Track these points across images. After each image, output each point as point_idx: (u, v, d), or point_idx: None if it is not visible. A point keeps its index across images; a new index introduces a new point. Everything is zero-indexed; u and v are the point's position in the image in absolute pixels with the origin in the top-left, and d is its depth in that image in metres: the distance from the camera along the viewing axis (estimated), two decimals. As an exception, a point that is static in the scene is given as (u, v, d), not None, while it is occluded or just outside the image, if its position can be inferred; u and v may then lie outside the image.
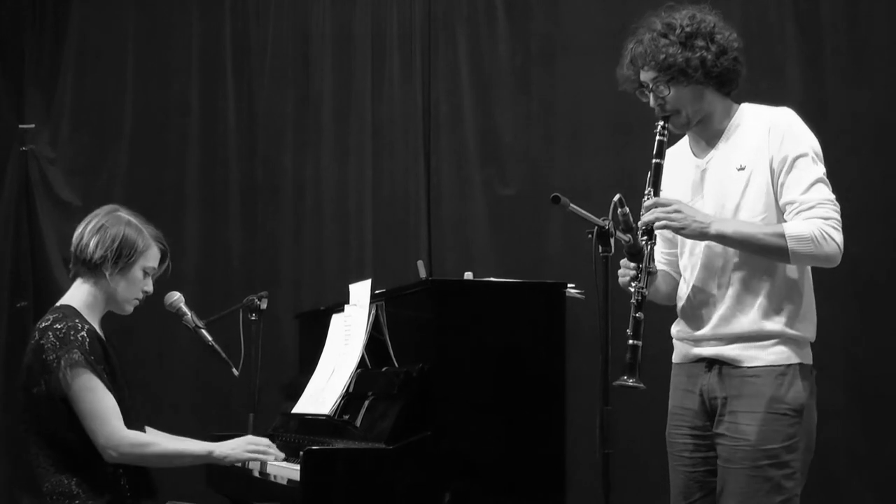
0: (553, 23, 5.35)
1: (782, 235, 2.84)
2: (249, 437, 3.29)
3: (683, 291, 3.09)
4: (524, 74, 5.38)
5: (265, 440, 3.29)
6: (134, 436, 3.08)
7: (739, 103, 3.07)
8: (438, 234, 5.40)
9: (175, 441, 3.24)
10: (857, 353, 4.71)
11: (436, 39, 5.48)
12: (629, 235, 2.89)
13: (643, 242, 2.92)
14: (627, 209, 2.88)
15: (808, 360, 2.97)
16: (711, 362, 2.99)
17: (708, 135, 3.06)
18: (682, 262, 3.12)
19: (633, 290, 2.91)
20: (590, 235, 2.86)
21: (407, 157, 5.47)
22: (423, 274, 3.88)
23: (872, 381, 4.74)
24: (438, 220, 5.40)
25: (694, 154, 3.11)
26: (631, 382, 2.81)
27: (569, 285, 3.28)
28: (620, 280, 2.95)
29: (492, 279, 3.48)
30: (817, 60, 4.91)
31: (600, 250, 2.85)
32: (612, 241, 2.84)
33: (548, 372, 3.19)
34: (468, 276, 3.50)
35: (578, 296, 3.28)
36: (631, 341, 2.85)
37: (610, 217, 2.85)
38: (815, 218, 2.85)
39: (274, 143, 5.62)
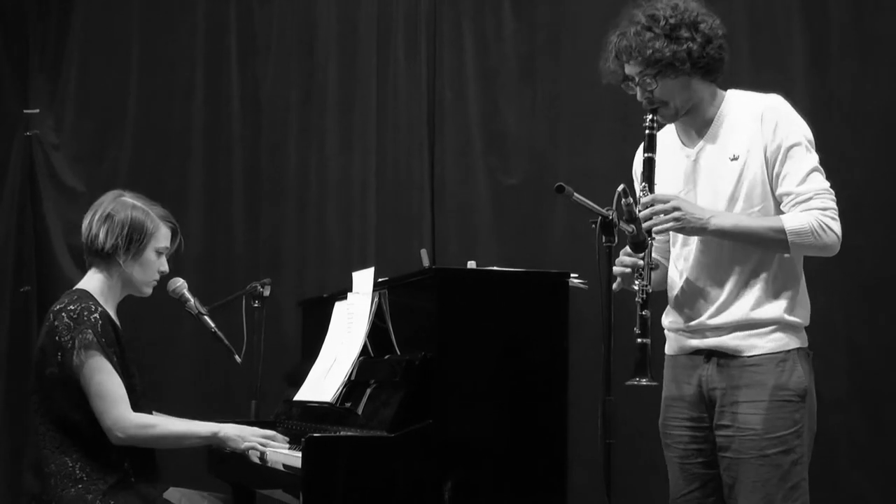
0: (558, 12, 5.33)
1: (782, 230, 2.85)
2: (255, 430, 3.29)
3: (676, 282, 3.08)
4: (529, 63, 5.36)
5: (271, 432, 3.30)
6: (140, 418, 3.11)
7: (725, 90, 3.06)
8: (442, 223, 5.39)
9: (180, 422, 3.26)
10: (860, 345, 4.71)
11: (441, 27, 5.46)
12: (633, 226, 2.89)
13: (645, 238, 2.91)
14: (631, 199, 2.87)
15: (806, 344, 2.99)
16: (710, 353, 2.99)
17: (697, 124, 3.05)
18: (674, 252, 3.12)
19: (637, 287, 2.91)
20: (593, 225, 2.85)
21: (411, 146, 5.45)
22: (426, 262, 3.87)
23: (875, 373, 4.74)
24: (442, 209, 5.39)
25: (683, 143, 3.09)
26: (644, 382, 2.83)
27: (572, 275, 3.27)
28: (615, 269, 2.93)
29: (495, 268, 3.47)
30: (823, 53, 4.89)
31: (604, 240, 2.84)
32: (615, 231, 2.83)
33: (550, 362, 3.19)
34: (471, 265, 3.49)
35: (581, 286, 3.27)
36: (639, 340, 2.86)
37: (614, 207, 2.84)
38: (812, 210, 2.86)
39: (278, 129, 5.61)
